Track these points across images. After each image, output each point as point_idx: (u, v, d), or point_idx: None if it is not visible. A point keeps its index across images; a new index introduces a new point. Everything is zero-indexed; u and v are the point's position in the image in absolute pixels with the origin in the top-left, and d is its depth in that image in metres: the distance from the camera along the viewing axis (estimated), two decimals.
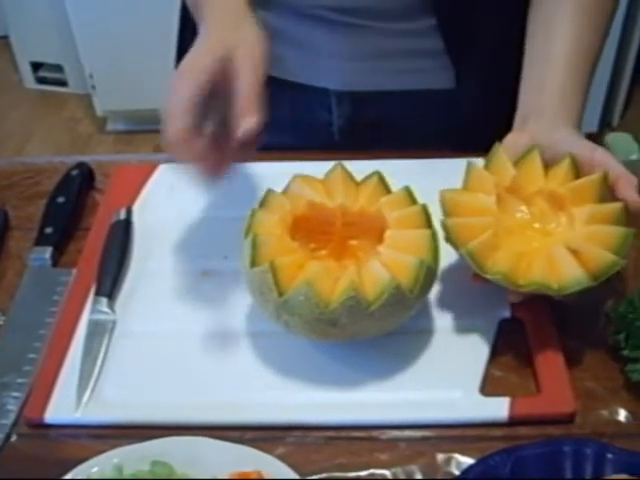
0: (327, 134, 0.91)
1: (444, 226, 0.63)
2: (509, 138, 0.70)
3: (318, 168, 0.69)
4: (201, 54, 0.64)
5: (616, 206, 0.63)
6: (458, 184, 0.67)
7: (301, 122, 0.90)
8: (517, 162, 0.67)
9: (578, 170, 0.65)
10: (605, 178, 0.64)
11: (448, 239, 0.63)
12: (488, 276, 0.61)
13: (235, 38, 0.63)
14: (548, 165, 0.66)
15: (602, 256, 0.60)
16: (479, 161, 0.68)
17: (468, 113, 0.85)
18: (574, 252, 0.60)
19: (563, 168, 0.65)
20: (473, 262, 0.61)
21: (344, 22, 0.80)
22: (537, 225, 0.66)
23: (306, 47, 0.83)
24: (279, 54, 0.83)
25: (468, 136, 0.77)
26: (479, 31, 0.81)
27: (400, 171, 0.70)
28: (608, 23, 0.76)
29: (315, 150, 0.84)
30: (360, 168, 0.69)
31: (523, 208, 0.67)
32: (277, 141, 0.87)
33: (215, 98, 0.62)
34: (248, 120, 0.61)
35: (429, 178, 0.69)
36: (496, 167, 0.67)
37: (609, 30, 0.76)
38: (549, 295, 0.61)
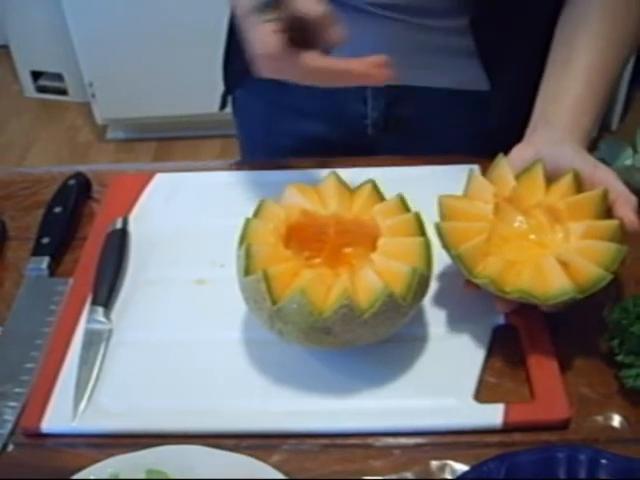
0: (361, 127, 0.91)
1: (438, 228, 0.63)
2: (514, 151, 0.71)
3: (313, 177, 0.70)
4: None
5: (612, 223, 0.63)
6: (459, 191, 0.67)
7: (336, 113, 0.91)
8: (520, 174, 0.68)
9: (580, 187, 0.66)
10: (604, 195, 0.64)
11: (441, 242, 0.64)
12: (476, 280, 0.62)
13: None
14: (550, 179, 0.67)
15: (590, 270, 0.60)
16: (477, 169, 0.69)
17: (499, 118, 0.85)
18: (564, 264, 0.61)
19: (565, 183, 0.66)
20: (463, 265, 0.62)
21: (384, 16, 0.81)
22: (533, 236, 0.67)
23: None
24: None
25: (498, 141, 0.77)
26: (511, 34, 0.81)
27: (406, 178, 0.70)
28: (633, 40, 0.76)
29: (342, 147, 0.85)
30: (355, 176, 0.69)
31: (520, 219, 0.68)
32: (312, 130, 0.87)
33: None
34: (335, 29, 0.63)
35: (433, 185, 0.69)
36: (498, 177, 0.68)
37: (634, 47, 0.76)
38: (536, 304, 0.62)
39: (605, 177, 0.66)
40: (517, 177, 0.67)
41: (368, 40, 0.83)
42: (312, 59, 0.64)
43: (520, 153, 0.70)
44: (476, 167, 0.77)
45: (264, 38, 0.63)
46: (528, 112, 0.77)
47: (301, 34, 0.64)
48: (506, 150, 0.71)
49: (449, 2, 0.80)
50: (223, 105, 0.97)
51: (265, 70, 0.65)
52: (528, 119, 0.75)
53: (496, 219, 0.66)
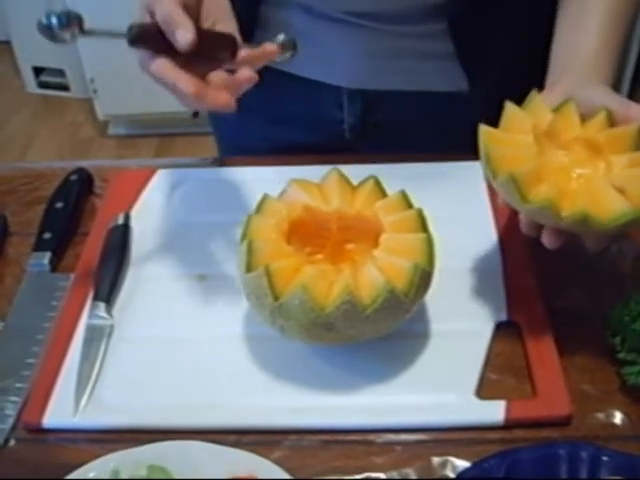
0: (338, 132, 0.91)
1: (486, 155, 0.61)
2: (541, 96, 0.68)
3: (314, 172, 0.70)
4: None
5: None
6: (462, 189, 0.66)
7: (313, 119, 0.90)
8: (554, 110, 0.65)
9: (613, 123, 0.64)
10: None
11: (488, 168, 0.61)
12: (530, 206, 0.58)
13: None
14: (583, 118, 0.65)
15: None
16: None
17: (480, 116, 0.85)
18: (620, 190, 0.59)
19: (599, 119, 0.64)
20: (516, 189, 0.58)
21: (358, 24, 0.81)
22: (576, 170, 0.64)
23: (320, 45, 0.84)
24: None
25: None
26: (491, 35, 0.81)
27: (398, 175, 0.70)
28: None
29: (319, 151, 0.84)
30: (356, 172, 0.69)
31: (560, 153, 0.65)
32: (287, 136, 0.87)
33: None
34: (180, 32, 0.60)
35: (436, 181, 0.69)
36: (533, 110, 0.65)
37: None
38: (584, 235, 0.60)
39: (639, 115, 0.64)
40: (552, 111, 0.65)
41: (346, 49, 0.83)
42: (160, 65, 0.62)
43: (549, 96, 0.67)
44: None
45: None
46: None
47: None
48: None
49: (423, 9, 0.80)
50: (196, 112, 0.96)
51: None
52: None
53: (537, 152, 0.63)
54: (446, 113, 0.87)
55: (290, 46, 0.67)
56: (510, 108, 0.65)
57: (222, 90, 0.61)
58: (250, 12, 0.78)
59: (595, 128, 0.64)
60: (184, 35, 0.60)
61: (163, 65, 0.61)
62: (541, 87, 0.71)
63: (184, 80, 0.60)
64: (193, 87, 0.60)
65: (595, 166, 0.63)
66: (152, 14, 0.63)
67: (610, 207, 0.58)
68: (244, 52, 0.64)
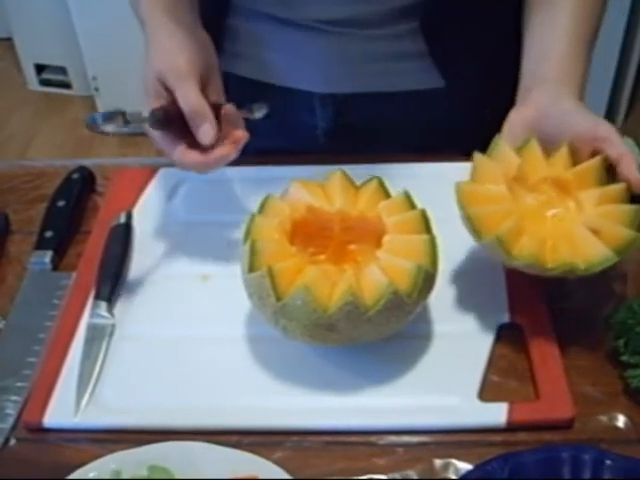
0: (311, 137, 0.91)
1: (468, 217, 0.62)
2: (513, 114, 0.70)
3: (317, 172, 0.69)
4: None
5: (620, 187, 0.64)
6: (449, 188, 0.67)
7: (286, 125, 0.90)
8: (518, 151, 0.67)
9: (576, 157, 0.67)
10: (604, 161, 0.65)
11: (471, 229, 0.63)
12: (516, 262, 0.61)
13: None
14: (548, 151, 0.67)
15: (623, 232, 0.61)
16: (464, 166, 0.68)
17: (456, 113, 0.85)
18: (595, 232, 0.61)
19: (563, 155, 0.66)
20: (502, 249, 0.61)
21: (329, 30, 0.81)
22: (548, 211, 0.66)
23: (290, 52, 0.84)
24: (263, 58, 0.84)
25: (456, 136, 0.77)
26: (462, 30, 0.81)
27: (397, 175, 0.70)
28: None
29: (306, 154, 0.84)
30: (356, 172, 0.69)
31: (531, 196, 0.67)
32: (260, 145, 0.87)
33: None
34: (205, 131, 0.65)
35: (439, 181, 0.69)
36: (500, 157, 0.67)
37: (606, 4, 0.76)
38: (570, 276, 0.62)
39: (607, 134, 0.66)
40: (517, 153, 0.67)
41: (317, 55, 0.83)
42: (180, 153, 0.67)
43: (520, 115, 0.70)
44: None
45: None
46: (486, 103, 0.77)
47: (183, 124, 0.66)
48: (467, 145, 0.70)
49: (393, 11, 0.79)
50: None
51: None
52: (489, 110, 0.75)
53: (511, 199, 0.65)
54: (423, 111, 0.87)
55: (261, 109, 0.71)
56: (478, 159, 0.67)
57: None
58: (217, 24, 0.79)
59: (560, 164, 0.66)
60: (209, 134, 0.65)
61: (183, 153, 0.67)
62: (515, 79, 0.73)
63: (201, 165, 0.67)
64: (207, 168, 0.67)
65: (566, 205, 0.66)
66: (166, 88, 0.67)
67: (592, 253, 0.61)
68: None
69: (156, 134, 0.67)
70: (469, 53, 0.83)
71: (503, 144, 0.67)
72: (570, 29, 0.72)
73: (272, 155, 0.84)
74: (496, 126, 0.70)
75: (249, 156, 0.70)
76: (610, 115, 2.19)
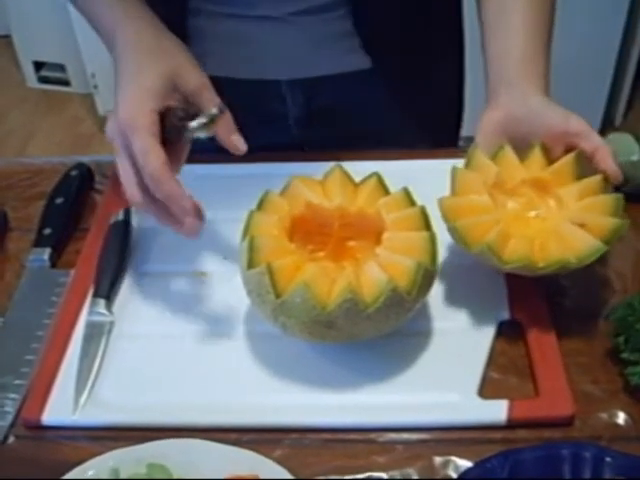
0: (284, 128, 0.91)
1: (454, 229, 0.63)
2: (484, 117, 0.71)
3: (317, 169, 0.69)
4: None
5: (597, 178, 0.65)
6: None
7: (257, 120, 0.90)
8: (493, 159, 0.68)
9: (550, 155, 0.68)
10: (579, 155, 0.66)
11: (460, 240, 0.63)
12: (508, 267, 0.62)
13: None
14: (523, 152, 0.68)
15: (608, 222, 0.62)
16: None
17: (385, 91, 0.87)
18: (580, 225, 0.62)
19: (537, 155, 0.68)
20: (492, 255, 0.62)
21: (287, 19, 0.82)
22: (531, 213, 0.68)
23: (251, 44, 0.85)
24: (227, 54, 0.84)
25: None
26: (389, 14, 0.82)
27: (394, 172, 0.70)
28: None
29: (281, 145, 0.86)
30: (354, 169, 0.68)
31: (512, 200, 0.68)
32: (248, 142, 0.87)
33: None
34: (190, 227, 0.63)
35: (438, 179, 0.69)
36: (478, 167, 0.68)
37: (555, 4, 0.77)
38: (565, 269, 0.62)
39: (579, 127, 0.67)
40: (492, 161, 0.68)
41: (278, 43, 0.84)
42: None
43: (490, 117, 0.70)
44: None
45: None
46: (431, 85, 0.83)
47: None
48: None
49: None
50: None
51: None
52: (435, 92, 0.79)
53: (494, 207, 0.66)
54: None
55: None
56: (458, 171, 0.68)
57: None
58: (179, 25, 0.79)
59: (536, 165, 0.68)
60: (195, 229, 0.63)
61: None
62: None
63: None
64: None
65: (547, 204, 0.68)
66: (129, 145, 0.62)
67: (581, 246, 0.62)
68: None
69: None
70: (398, 35, 0.85)
71: (479, 153, 0.68)
72: (527, 28, 0.73)
73: (258, 152, 0.85)
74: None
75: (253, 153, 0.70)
76: (609, 113, 2.19)
